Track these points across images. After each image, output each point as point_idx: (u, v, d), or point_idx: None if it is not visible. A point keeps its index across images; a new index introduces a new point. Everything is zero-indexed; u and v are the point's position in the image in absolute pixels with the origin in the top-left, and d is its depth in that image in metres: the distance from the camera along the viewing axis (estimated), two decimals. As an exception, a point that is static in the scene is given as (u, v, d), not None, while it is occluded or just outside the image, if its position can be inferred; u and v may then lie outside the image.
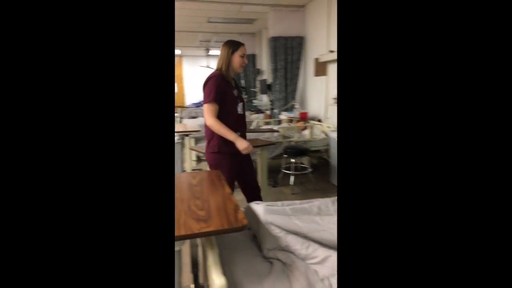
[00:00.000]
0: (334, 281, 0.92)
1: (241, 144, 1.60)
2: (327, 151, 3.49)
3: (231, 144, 1.62)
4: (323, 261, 1.00)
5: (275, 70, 4.72)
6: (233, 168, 1.70)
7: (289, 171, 3.13)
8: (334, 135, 3.19)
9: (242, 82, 6.99)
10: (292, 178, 3.09)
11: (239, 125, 1.72)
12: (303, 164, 3.40)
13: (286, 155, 3.13)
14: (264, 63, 6.28)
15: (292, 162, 3.12)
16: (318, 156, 3.78)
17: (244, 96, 4.11)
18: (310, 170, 3.19)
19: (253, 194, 1.83)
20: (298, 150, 3.05)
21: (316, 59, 4.24)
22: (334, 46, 3.68)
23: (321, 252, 1.02)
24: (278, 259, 1.01)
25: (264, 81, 5.56)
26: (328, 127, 3.67)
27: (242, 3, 4.40)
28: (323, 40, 4.02)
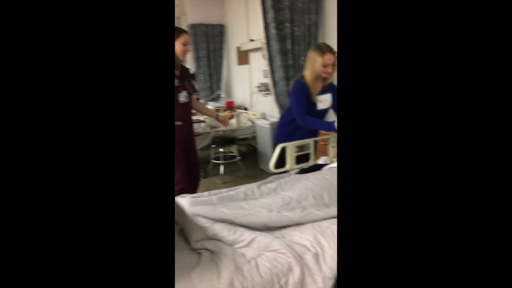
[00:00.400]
0: (260, 260, 0.97)
1: None
2: (254, 138, 3.60)
3: None
4: (249, 243, 1.04)
5: (197, 59, 4.60)
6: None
7: (219, 160, 3.13)
8: (260, 122, 3.29)
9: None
10: (222, 168, 3.11)
11: (181, 114, 1.74)
12: (232, 152, 3.44)
13: (214, 145, 3.12)
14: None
15: (221, 152, 3.12)
16: (246, 144, 3.88)
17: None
18: (239, 158, 3.25)
19: (193, 182, 1.92)
20: (226, 139, 3.07)
21: (238, 48, 4.27)
22: (254, 35, 3.75)
23: (248, 235, 1.06)
24: (206, 249, 1.01)
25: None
26: (254, 114, 3.77)
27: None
28: (243, 28, 4.06)
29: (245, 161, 3.48)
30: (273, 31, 2.47)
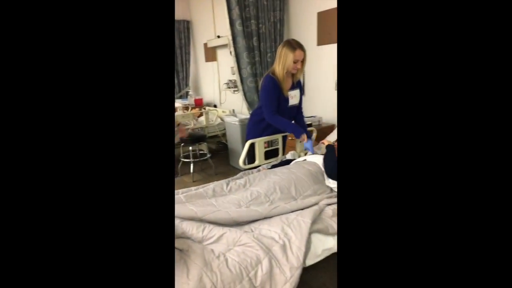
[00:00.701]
0: (229, 255, 0.98)
1: None
2: (224, 135, 3.59)
3: None
4: (218, 239, 1.05)
5: (163, 56, 4.46)
6: None
7: (188, 159, 3.08)
8: (229, 119, 3.29)
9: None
10: (192, 166, 3.07)
11: None
12: (202, 150, 3.40)
13: (183, 144, 3.06)
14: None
15: (190, 150, 3.08)
16: (216, 141, 3.85)
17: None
18: (209, 155, 3.23)
19: None
20: (196, 137, 3.03)
21: (205, 44, 4.21)
22: (221, 31, 3.72)
23: (217, 231, 1.07)
24: (175, 248, 1.01)
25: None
26: (223, 112, 3.76)
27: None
28: (210, 25, 4.01)
29: (215, 158, 3.46)
30: (239, 28, 2.48)
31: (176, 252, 0.99)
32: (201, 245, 1.03)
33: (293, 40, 1.71)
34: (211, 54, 4.17)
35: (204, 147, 3.38)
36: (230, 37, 2.55)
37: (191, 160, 3.05)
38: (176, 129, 1.91)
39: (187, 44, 4.57)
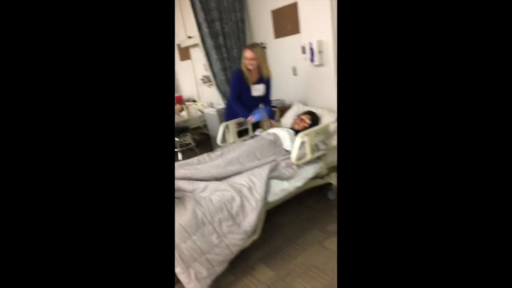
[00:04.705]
0: (212, 197, 1.42)
1: None
2: (205, 126, 4.00)
3: None
4: (204, 189, 1.49)
5: (140, 59, 4.77)
6: None
7: (176, 149, 3.49)
8: (208, 111, 3.69)
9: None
10: (180, 155, 3.48)
11: None
12: (187, 141, 3.81)
13: (169, 136, 3.46)
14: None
15: (177, 141, 3.48)
16: (199, 132, 4.26)
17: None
18: (194, 144, 3.64)
19: None
20: (179, 129, 3.43)
21: (179, 45, 4.55)
22: (191, 32, 4.08)
23: (201, 184, 1.51)
24: (175, 198, 1.44)
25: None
26: (202, 105, 4.15)
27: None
28: (180, 26, 4.34)
29: (200, 147, 3.87)
30: (205, 29, 2.86)
31: (176, 200, 1.43)
32: (192, 194, 1.48)
33: (250, 43, 2.16)
34: (185, 53, 4.52)
35: (188, 138, 3.78)
36: (199, 38, 2.94)
37: (178, 149, 3.46)
38: None
39: (161, 46, 4.89)
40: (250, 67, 2.16)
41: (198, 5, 2.79)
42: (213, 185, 1.50)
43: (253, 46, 2.12)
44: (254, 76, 2.24)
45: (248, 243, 1.45)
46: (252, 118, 2.22)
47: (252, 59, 2.11)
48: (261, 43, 3.06)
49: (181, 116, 4.09)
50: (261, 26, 3.09)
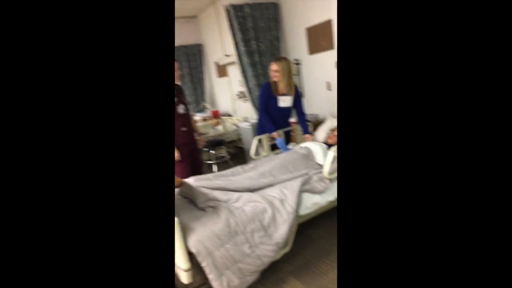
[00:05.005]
0: (245, 207, 1.48)
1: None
2: (240, 139, 4.12)
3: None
4: (237, 199, 1.55)
5: (181, 77, 5.11)
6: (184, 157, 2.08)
7: (211, 161, 3.63)
8: (243, 125, 3.82)
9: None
10: (215, 167, 3.61)
11: (184, 122, 2.10)
12: (221, 154, 3.94)
13: (206, 149, 3.62)
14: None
15: (212, 154, 3.63)
16: (233, 145, 4.39)
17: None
18: (228, 157, 3.76)
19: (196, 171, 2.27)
20: (215, 142, 3.57)
21: (216, 63, 4.81)
22: (229, 50, 4.30)
23: (236, 195, 1.57)
24: (209, 206, 1.52)
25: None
26: (238, 119, 4.30)
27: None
28: (218, 45, 4.60)
29: (233, 160, 3.98)
30: (242, 48, 3.02)
31: (210, 209, 1.51)
32: (226, 203, 1.54)
33: (278, 56, 2.27)
34: (222, 70, 4.76)
35: (223, 151, 3.92)
36: (236, 56, 3.10)
37: (214, 162, 3.59)
38: (198, 138, 2.40)
39: (201, 64, 5.20)
40: (274, 79, 2.26)
41: (236, 26, 2.96)
42: (246, 196, 1.56)
43: (279, 60, 2.22)
44: (282, 88, 2.30)
45: (279, 255, 1.47)
46: (276, 137, 2.28)
47: (276, 71, 2.21)
48: (295, 60, 3.14)
49: (217, 130, 4.26)
50: (296, 43, 3.18)
